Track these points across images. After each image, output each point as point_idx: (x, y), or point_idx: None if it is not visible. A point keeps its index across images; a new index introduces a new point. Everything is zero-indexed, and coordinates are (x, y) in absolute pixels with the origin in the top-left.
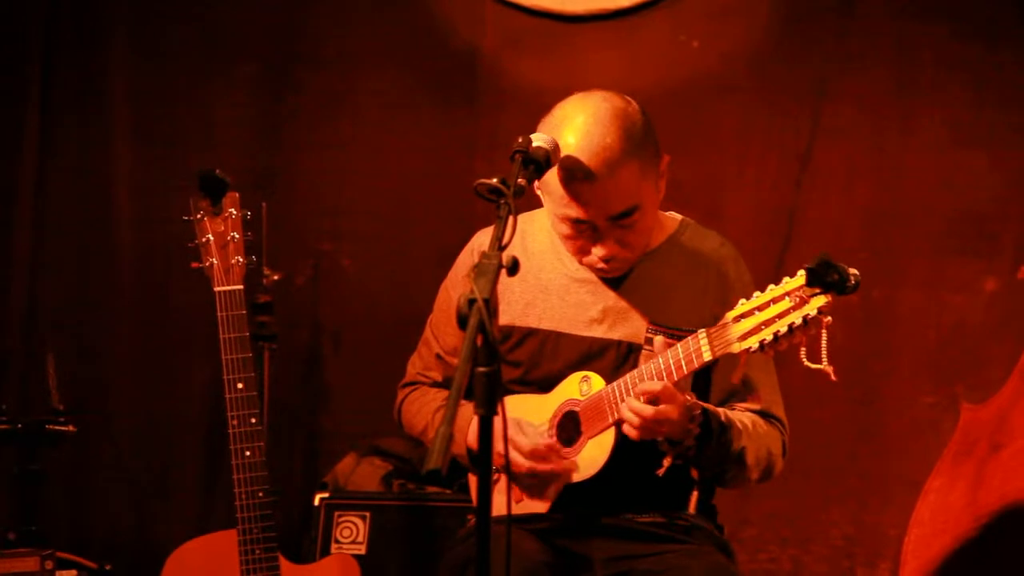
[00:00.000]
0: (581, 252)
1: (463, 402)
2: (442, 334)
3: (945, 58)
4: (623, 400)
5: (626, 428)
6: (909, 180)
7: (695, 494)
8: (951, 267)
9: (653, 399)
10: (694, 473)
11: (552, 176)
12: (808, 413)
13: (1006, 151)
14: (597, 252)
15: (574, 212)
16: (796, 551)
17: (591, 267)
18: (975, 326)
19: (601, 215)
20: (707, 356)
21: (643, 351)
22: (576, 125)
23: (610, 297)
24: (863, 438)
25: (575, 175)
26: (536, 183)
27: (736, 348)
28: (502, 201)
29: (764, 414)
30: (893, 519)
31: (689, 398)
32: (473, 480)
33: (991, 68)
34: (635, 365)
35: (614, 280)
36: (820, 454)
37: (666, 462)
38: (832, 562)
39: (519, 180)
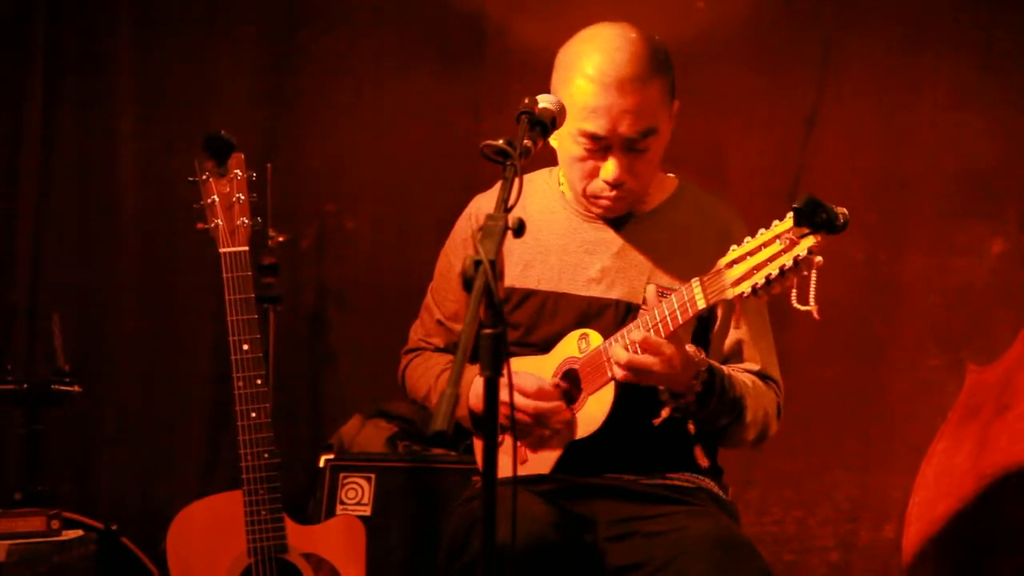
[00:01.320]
0: (590, 176)
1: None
2: (442, 300)
3: (950, 20)
4: None
5: (614, 370)
6: (914, 143)
7: (698, 448)
8: (957, 230)
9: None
10: (691, 427)
11: (576, 88)
12: (813, 374)
13: (1012, 113)
14: (606, 174)
15: (594, 126)
16: (800, 513)
17: (595, 198)
18: (981, 289)
19: (621, 130)
20: (701, 304)
21: (641, 311)
22: (607, 38)
23: (608, 257)
24: (868, 400)
25: (604, 83)
26: (539, 143)
27: (730, 294)
28: (508, 163)
29: (761, 375)
30: (898, 481)
31: (696, 352)
32: (478, 443)
33: (996, 30)
34: None
35: (612, 240)
36: (825, 416)
37: (664, 412)
38: (836, 524)
39: (525, 141)
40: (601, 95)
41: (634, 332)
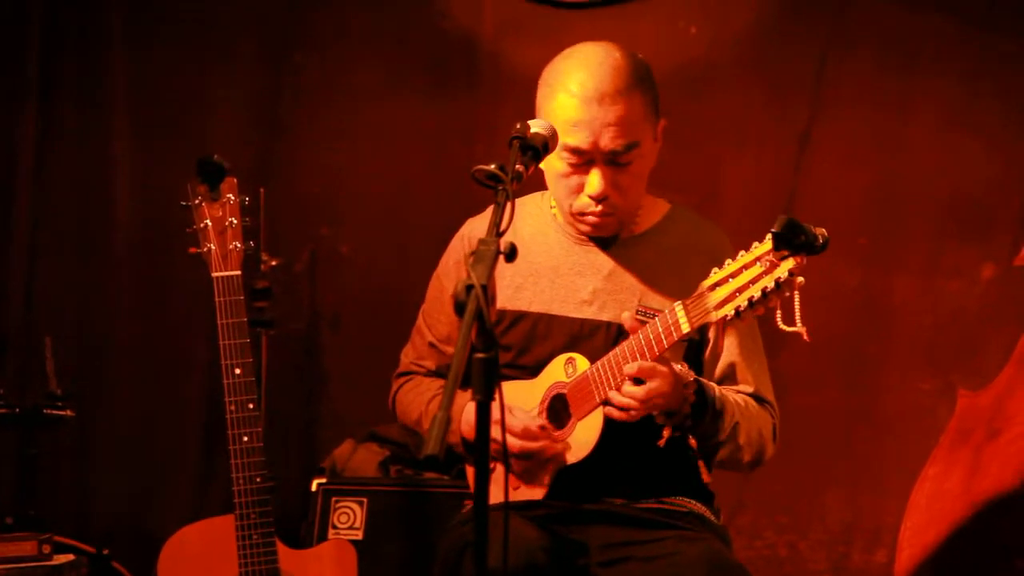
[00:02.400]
0: (575, 192)
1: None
2: (434, 323)
3: (943, 42)
4: (608, 378)
5: (620, 415)
6: (907, 165)
7: (701, 463)
8: (948, 252)
9: (639, 379)
10: (692, 442)
11: (558, 103)
12: (804, 398)
13: (1004, 136)
14: (590, 188)
15: (576, 139)
16: (792, 537)
17: (581, 215)
18: (972, 312)
19: (603, 144)
20: (685, 328)
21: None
22: (589, 54)
23: (599, 279)
24: (859, 424)
25: (586, 97)
26: (531, 168)
27: (713, 317)
28: (500, 187)
29: (756, 397)
30: (890, 505)
31: (681, 367)
32: (471, 468)
33: (989, 52)
34: None
35: (604, 262)
36: (816, 440)
37: (665, 433)
38: (828, 548)
39: (516, 166)
40: (583, 109)
41: (628, 366)
